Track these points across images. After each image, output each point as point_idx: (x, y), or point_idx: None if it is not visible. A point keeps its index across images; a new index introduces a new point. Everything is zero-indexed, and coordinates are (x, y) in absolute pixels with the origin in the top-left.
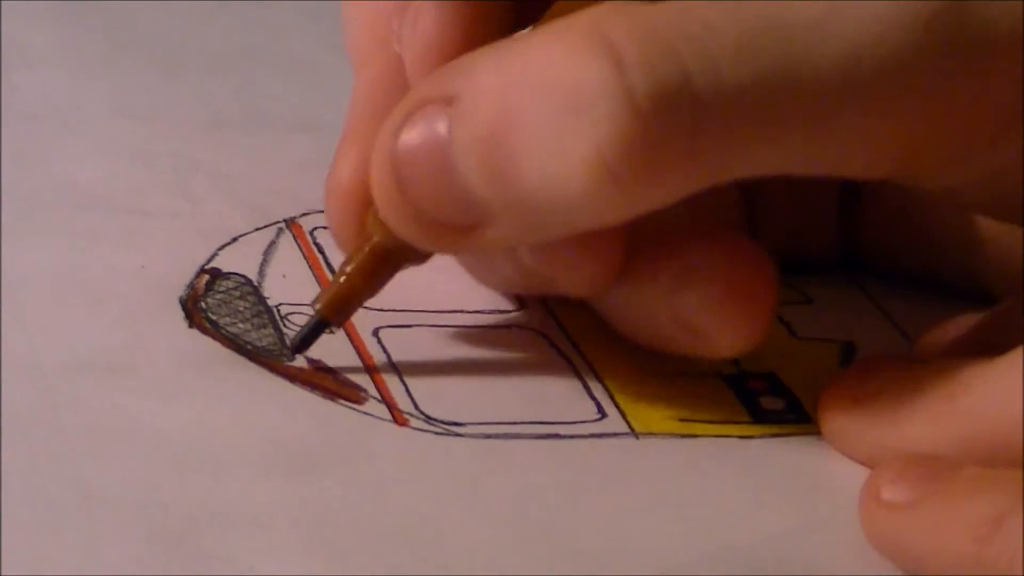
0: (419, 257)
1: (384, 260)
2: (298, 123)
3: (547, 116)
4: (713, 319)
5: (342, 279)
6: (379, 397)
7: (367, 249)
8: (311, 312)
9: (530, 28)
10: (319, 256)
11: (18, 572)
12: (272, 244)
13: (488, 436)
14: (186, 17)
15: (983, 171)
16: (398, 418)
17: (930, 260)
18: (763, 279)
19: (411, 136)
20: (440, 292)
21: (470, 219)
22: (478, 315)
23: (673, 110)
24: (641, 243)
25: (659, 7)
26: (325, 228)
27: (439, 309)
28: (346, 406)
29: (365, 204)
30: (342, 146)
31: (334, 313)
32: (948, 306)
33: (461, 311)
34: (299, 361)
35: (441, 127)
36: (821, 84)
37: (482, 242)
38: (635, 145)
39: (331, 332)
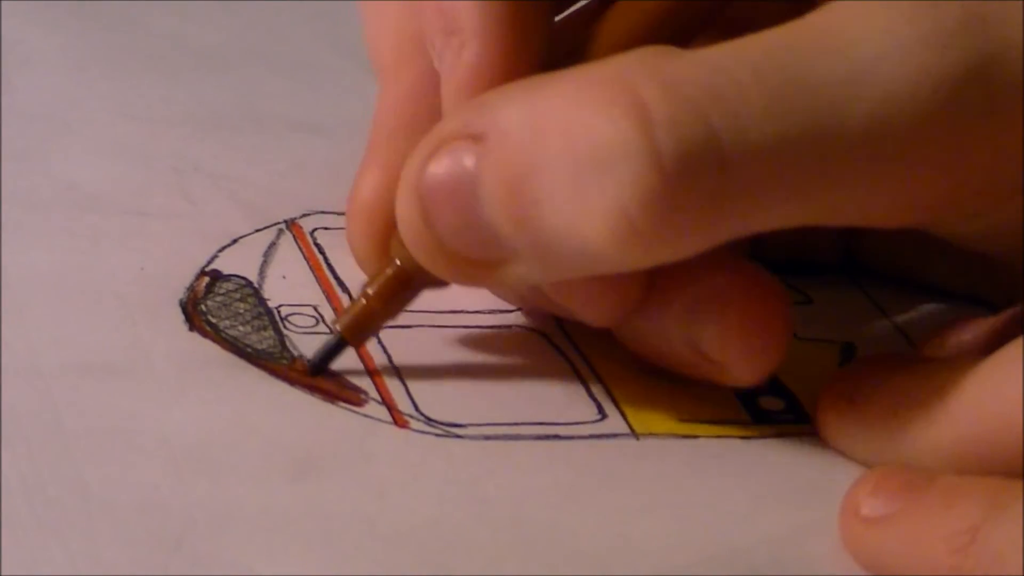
0: (440, 282)
1: (405, 284)
2: (298, 123)
3: (572, 168)
4: (728, 350)
5: (363, 301)
6: (379, 399)
7: (389, 273)
8: (312, 313)
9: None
10: (320, 257)
11: (18, 572)
12: (272, 245)
13: (488, 437)
14: (186, 17)
15: (1004, 222)
16: (398, 420)
17: (930, 265)
18: (778, 310)
19: (438, 170)
20: (440, 293)
21: (493, 256)
22: (478, 316)
23: (699, 170)
24: (659, 269)
25: (688, 61)
26: (326, 229)
27: (439, 310)
28: (346, 408)
29: (386, 224)
30: (365, 164)
31: (353, 334)
32: (948, 308)
33: (461, 312)
34: (299, 363)
35: (468, 164)
36: (848, 144)
37: (503, 278)
38: (659, 204)
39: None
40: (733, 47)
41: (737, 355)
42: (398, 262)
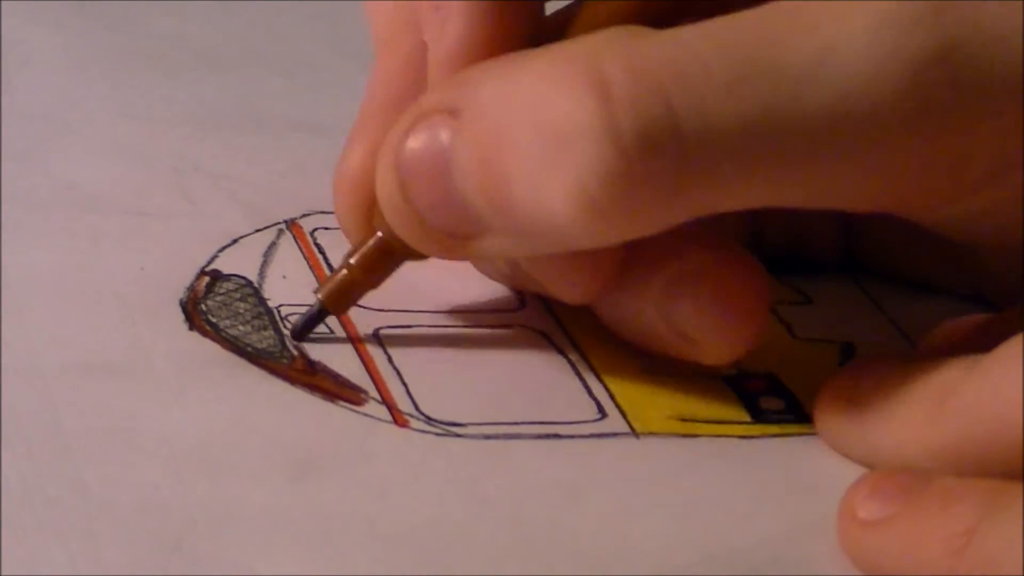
0: (421, 254)
1: (386, 255)
2: (298, 123)
3: (536, 144)
4: (704, 327)
5: (344, 271)
6: (379, 398)
7: (371, 243)
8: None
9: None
10: (320, 257)
11: (18, 572)
12: (272, 245)
13: (488, 436)
14: (186, 17)
15: (976, 210)
16: (398, 419)
17: (930, 264)
18: (754, 287)
19: (416, 144)
20: (440, 293)
21: (468, 229)
22: (478, 315)
23: (658, 148)
24: (637, 247)
25: (655, 39)
26: (326, 229)
27: (439, 309)
28: (346, 407)
29: (371, 196)
30: (353, 135)
31: (334, 303)
32: (948, 307)
33: (461, 311)
34: (299, 362)
35: (444, 138)
36: (810, 126)
37: (479, 251)
38: (619, 181)
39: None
40: (701, 27)
41: (711, 332)
42: (380, 233)
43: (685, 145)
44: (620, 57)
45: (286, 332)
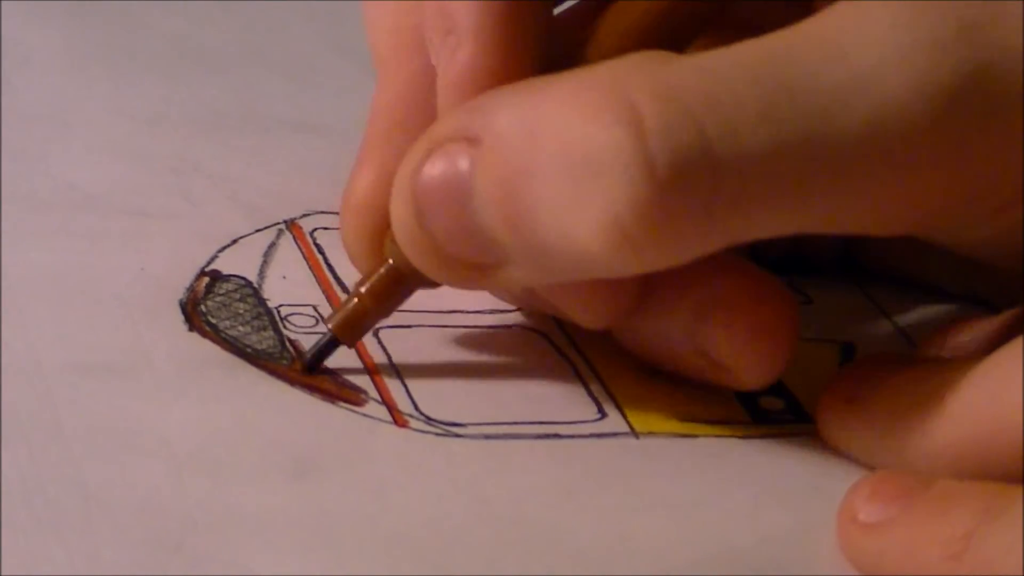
0: (433, 282)
1: (398, 283)
2: (298, 124)
3: (565, 174)
4: (736, 355)
5: (355, 300)
6: (379, 399)
7: (382, 272)
8: (312, 313)
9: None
10: (319, 257)
11: (18, 572)
12: (272, 245)
13: (488, 437)
14: (186, 17)
15: (996, 231)
16: (398, 419)
17: (930, 265)
18: (786, 315)
19: (433, 172)
20: (440, 293)
21: (488, 259)
22: (478, 315)
23: (692, 177)
24: (660, 272)
25: (683, 67)
26: (326, 229)
27: (439, 310)
28: (346, 408)
29: (380, 221)
30: (360, 159)
31: (346, 333)
32: (948, 307)
33: (461, 311)
34: (299, 363)
35: (463, 166)
36: (844, 151)
37: (499, 281)
38: (653, 212)
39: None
40: (729, 53)
41: (747, 360)
42: (391, 261)
43: (719, 174)
44: (648, 84)
45: (286, 332)
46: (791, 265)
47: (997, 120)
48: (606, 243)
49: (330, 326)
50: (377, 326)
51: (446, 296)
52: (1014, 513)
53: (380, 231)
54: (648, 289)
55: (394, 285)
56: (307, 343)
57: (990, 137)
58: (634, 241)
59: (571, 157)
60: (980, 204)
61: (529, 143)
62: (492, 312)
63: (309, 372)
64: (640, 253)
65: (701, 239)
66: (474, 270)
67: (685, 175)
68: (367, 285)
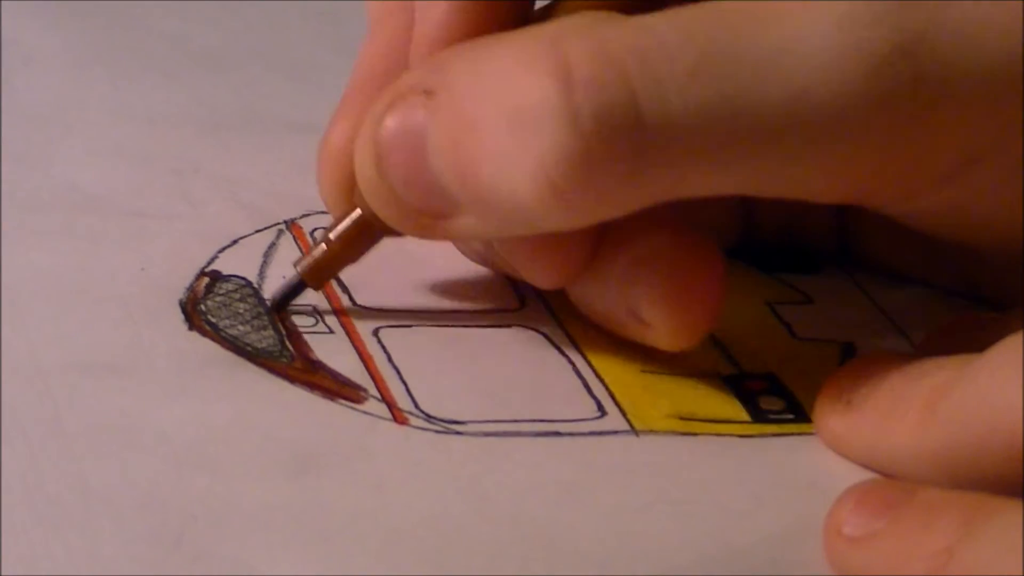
0: (398, 231)
1: (365, 231)
2: (298, 124)
3: (501, 126)
4: (657, 312)
5: (323, 245)
6: (379, 396)
7: (350, 219)
8: (311, 313)
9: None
10: None
11: (18, 572)
12: (272, 246)
13: (488, 434)
14: (186, 17)
15: (943, 204)
16: (398, 417)
17: (925, 257)
18: (708, 274)
19: (392, 123)
20: (440, 291)
21: (441, 208)
22: (478, 314)
23: (616, 131)
24: (607, 232)
25: (621, 24)
26: (326, 229)
27: (439, 309)
28: (346, 405)
29: (352, 172)
30: (337, 112)
31: (313, 276)
32: (949, 307)
33: (461, 311)
34: (299, 361)
35: (419, 118)
36: (771, 116)
37: (452, 231)
38: (577, 163)
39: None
40: (667, 14)
41: (663, 316)
42: (360, 209)
43: (644, 129)
44: (584, 41)
45: (285, 332)
46: (786, 255)
47: (928, 91)
48: (536, 192)
49: (298, 269)
50: (377, 325)
51: (446, 296)
52: (994, 526)
53: (352, 180)
54: (596, 250)
55: (361, 233)
56: (308, 342)
57: (921, 108)
58: (561, 192)
59: (507, 109)
60: (917, 174)
61: (475, 95)
62: (492, 311)
63: (275, 312)
64: (569, 204)
65: (629, 193)
66: (429, 218)
67: (610, 128)
68: (335, 232)
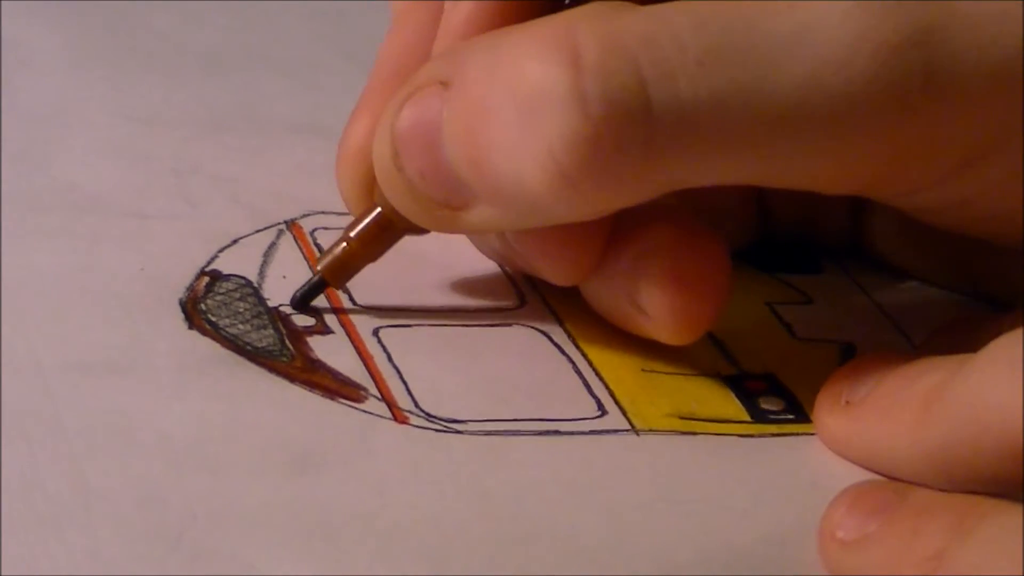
0: (420, 229)
1: (385, 229)
2: (298, 124)
3: (512, 113)
4: (659, 304)
5: (344, 243)
6: (379, 395)
7: (370, 217)
8: (311, 312)
9: None
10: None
11: (18, 572)
12: (272, 245)
13: (488, 433)
14: (186, 17)
15: (951, 198)
16: (398, 416)
17: (933, 256)
18: (712, 268)
19: (409, 115)
20: (440, 291)
21: (457, 199)
22: (478, 313)
23: (625, 118)
24: (618, 227)
25: (634, 12)
26: (326, 229)
27: (439, 308)
28: (346, 404)
29: (372, 169)
30: (358, 108)
31: (333, 275)
32: (949, 307)
33: (461, 310)
34: (299, 360)
35: (435, 109)
36: (777, 106)
37: (468, 223)
38: (585, 150)
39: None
40: (679, 3)
41: (665, 309)
42: (380, 207)
43: (653, 115)
44: (594, 27)
45: (285, 332)
46: (784, 252)
47: (939, 83)
48: (544, 179)
49: (319, 268)
50: (377, 325)
51: (446, 295)
52: (984, 530)
53: (373, 178)
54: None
55: (381, 230)
56: (308, 341)
57: (931, 100)
58: (569, 178)
59: (517, 96)
60: (926, 167)
61: (487, 83)
62: (492, 311)
63: (297, 309)
64: (577, 191)
65: (639, 180)
66: (446, 210)
67: (619, 115)
68: (355, 230)
